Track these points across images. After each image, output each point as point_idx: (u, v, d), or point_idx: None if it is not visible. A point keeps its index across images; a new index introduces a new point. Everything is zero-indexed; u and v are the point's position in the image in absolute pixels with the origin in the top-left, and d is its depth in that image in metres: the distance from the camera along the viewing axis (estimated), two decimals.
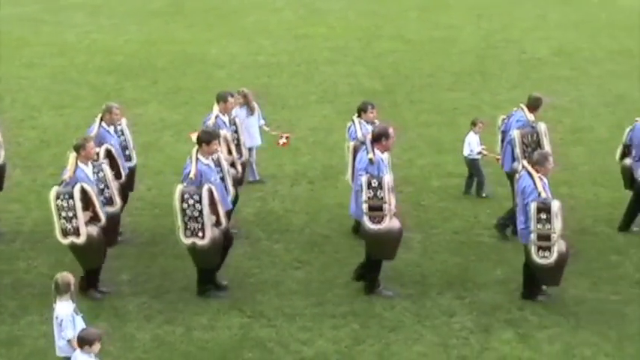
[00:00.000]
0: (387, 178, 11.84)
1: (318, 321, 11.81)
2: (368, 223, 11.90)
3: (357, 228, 13.43)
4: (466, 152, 15.75)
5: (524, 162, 12.41)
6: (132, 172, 14.15)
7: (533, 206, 11.58)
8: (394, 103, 21.10)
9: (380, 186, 11.76)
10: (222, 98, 14.41)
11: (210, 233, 11.84)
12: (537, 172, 11.82)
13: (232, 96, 14.73)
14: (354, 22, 29.67)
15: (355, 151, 13.16)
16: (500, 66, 24.40)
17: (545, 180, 11.86)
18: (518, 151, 13.59)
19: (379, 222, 11.87)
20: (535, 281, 12.21)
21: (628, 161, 14.32)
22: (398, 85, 22.80)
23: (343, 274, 12.98)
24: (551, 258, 11.66)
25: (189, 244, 11.98)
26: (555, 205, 11.59)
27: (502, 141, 14.35)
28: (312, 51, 26.10)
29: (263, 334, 11.54)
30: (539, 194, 11.61)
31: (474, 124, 15.80)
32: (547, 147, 13.42)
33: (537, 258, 11.72)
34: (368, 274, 12.42)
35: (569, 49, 26.22)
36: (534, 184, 11.70)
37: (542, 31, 28.49)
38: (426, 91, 22.13)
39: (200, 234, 11.84)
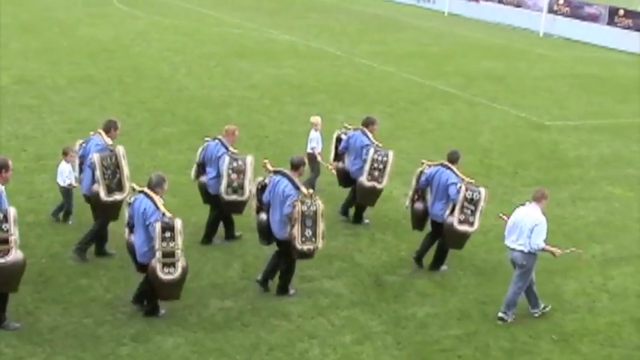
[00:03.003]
0: (13, 210, 11.54)
1: None
2: None
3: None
4: (59, 181, 15.51)
5: (135, 185, 12.80)
6: None
7: (157, 226, 11.92)
8: None
9: (5, 219, 11.43)
10: None
11: None
12: (157, 194, 12.26)
13: None
14: None
15: None
16: None
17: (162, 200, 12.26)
18: (98, 173, 13.67)
19: (5, 255, 11.49)
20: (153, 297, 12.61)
21: (204, 178, 15.20)
22: None
23: None
24: (176, 273, 12.10)
25: None
26: (178, 222, 12.05)
27: (80, 165, 14.45)
28: None
29: None
30: (164, 214, 12.01)
31: (65, 153, 15.53)
32: (125, 169, 13.84)
33: (163, 275, 12.05)
34: None
35: (31, 78, 26.14)
36: (155, 204, 12.11)
37: (3, 60, 28.06)
38: None
39: None
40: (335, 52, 34.69)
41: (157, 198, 12.25)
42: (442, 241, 14.90)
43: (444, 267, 15.09)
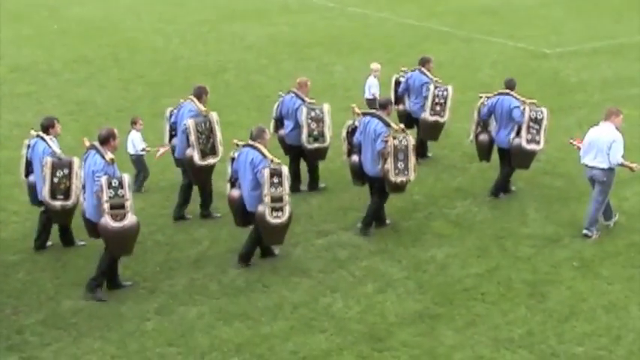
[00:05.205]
0: (127, 177, 12.14)
1: None
2: (111, 222, 12.01)
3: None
4: (130, 150, 15.89)
5: (237, 140, 13.34)
6: None
7: (266, 172, 12.58)
8: None
9: (121, 185, 11.97)
10: None
11: None
12: (260, 144, 12.89)
13: None
14: None
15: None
16: None
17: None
18: (193, 138, 14.17)
19: (122, 219, 12.00)
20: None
21: (282, 132, 15.92)
22: None
23: None
24: (284, 217, 12.71)
25: None
26: (285, 169, 12.75)
27: (171, 131, 15.04)
28: None
29: None
30: (272, 161, 12.67)
31: (134, 122, 16.03)
32: (219, 134, 14.33)
33: (272, 219, 12.67)
34: (102, 271, 12.57)
35: (25, 64, 26.00)
36: (262, 153, 12.77)
37: None
38: None
39: None
40: (327, 4, 34.46)
41: (262, 147, 12.82)
42: (508, 163, 15.35)
43: (502, 195, 15.54)
